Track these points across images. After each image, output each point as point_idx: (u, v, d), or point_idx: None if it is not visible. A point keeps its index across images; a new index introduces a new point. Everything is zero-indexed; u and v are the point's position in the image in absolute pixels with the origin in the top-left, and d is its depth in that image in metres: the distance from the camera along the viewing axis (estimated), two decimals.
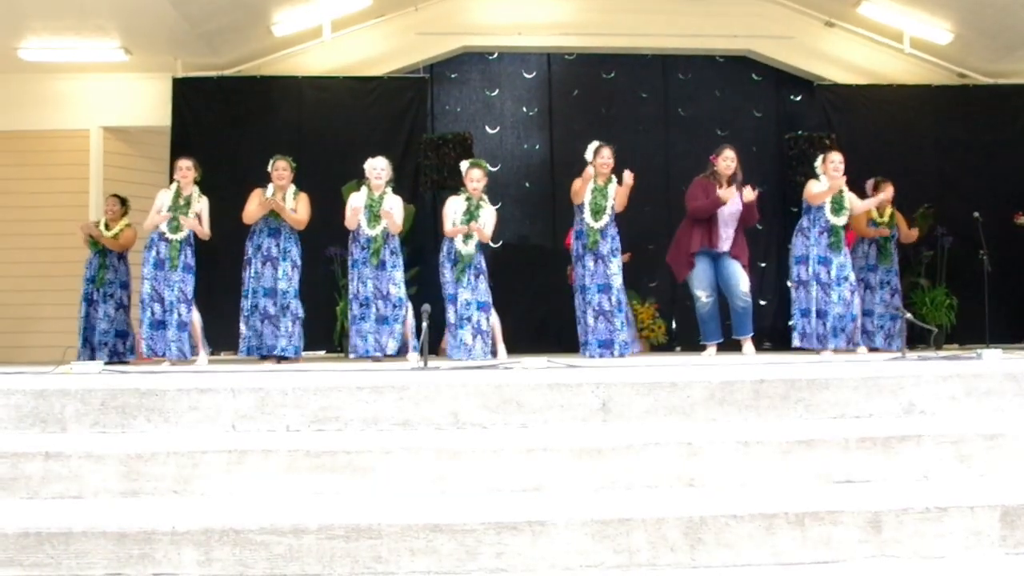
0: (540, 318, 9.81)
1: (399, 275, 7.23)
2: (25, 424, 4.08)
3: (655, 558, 3.07)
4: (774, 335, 10.15)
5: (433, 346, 7.61)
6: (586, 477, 3.55)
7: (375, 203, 7.18)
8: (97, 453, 3.59)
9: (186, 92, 9.91)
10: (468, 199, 7.22)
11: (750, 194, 7.18)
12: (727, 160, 7.26)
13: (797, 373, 4.33)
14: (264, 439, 3.81)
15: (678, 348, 10.15)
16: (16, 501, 3.51)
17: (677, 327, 10.37)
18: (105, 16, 8.79)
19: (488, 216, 7.26)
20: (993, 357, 5.09)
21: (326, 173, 8.93)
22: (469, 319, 7.05)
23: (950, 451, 3.66)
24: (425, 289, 8.79)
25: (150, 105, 10.01)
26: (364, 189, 7.27)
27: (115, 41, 9.35)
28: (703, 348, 7.43)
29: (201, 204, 7.28)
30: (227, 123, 9.77)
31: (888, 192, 8.15)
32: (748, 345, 7.31)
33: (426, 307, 5.62)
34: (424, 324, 5.44)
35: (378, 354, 7.08)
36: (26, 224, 9.64)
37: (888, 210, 8.26)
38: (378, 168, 7.26)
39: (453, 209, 7.24)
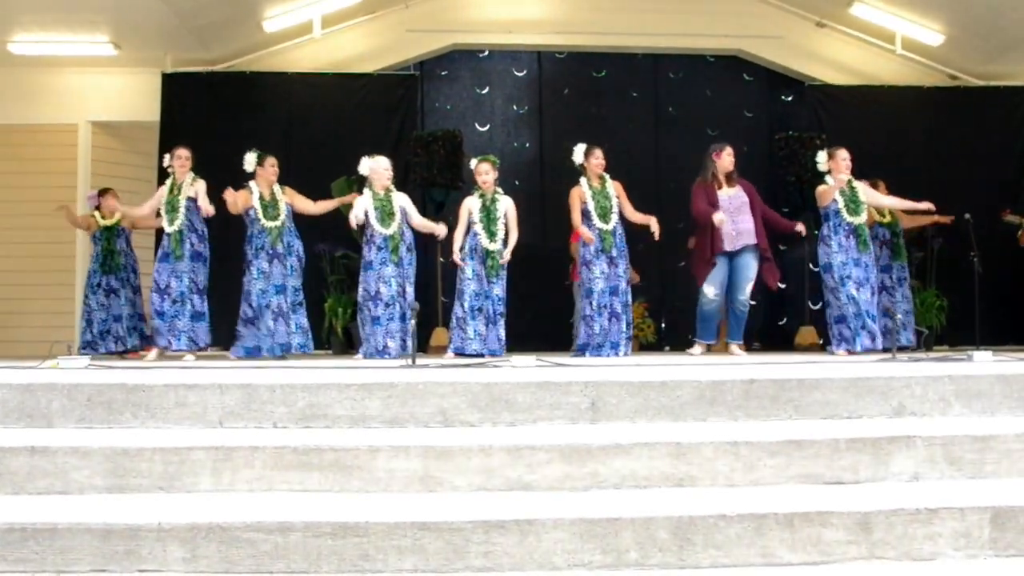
0: (529, 316, 9.78)
1: (412, 271, 7.26)
2: (10, 419, 4.05)
3: (643, 558, 3.06)
4: (763, 336, 10.16)
5: (422, 344, 7.59)
6: (575, 476, 3.53)
7: (384, 202, 7.15)
8: (83, 449, 3.56)
9: (175, 87, 9.87)
10: (482, 196, 7.25)
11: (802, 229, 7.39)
12: (731, 155, 7.28)
13: (787, 373, 4.32)
14: (251, 436, 3.78)
15: (667, 348, 10.15)
16: (1, 497, 3.48)
17: (666, 327, 10.37)
18: (95, 11, 8.76)
19: (509, 208, 7.34)
20: (983, 358, 5.10)
21: (315, 170, 8.91)
22: (501, 314, 7.19)
23: (940, 452, 3.65)
24: (415, 286, 8.77)
25: (139, 100, 9.98)
26: (367, 191, 7.23)
27: (104, 36, 9.32)
28: (691, 345, 7.41)
29: (196, 186, 7.23)
30: (216, 119, 9.73)
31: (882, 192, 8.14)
32: (736, 348, 7.27)
33: (415, 305, 5.61)
34: (412, 322, 5.42)
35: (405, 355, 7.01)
36: (14, 218, 9.59)
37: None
38: (388, 168, 7.24)
39: (469, 208, 7.28)
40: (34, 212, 9.36)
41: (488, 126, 10.88)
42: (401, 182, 9.69)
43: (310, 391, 4.04)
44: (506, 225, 7.30)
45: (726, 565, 3.07)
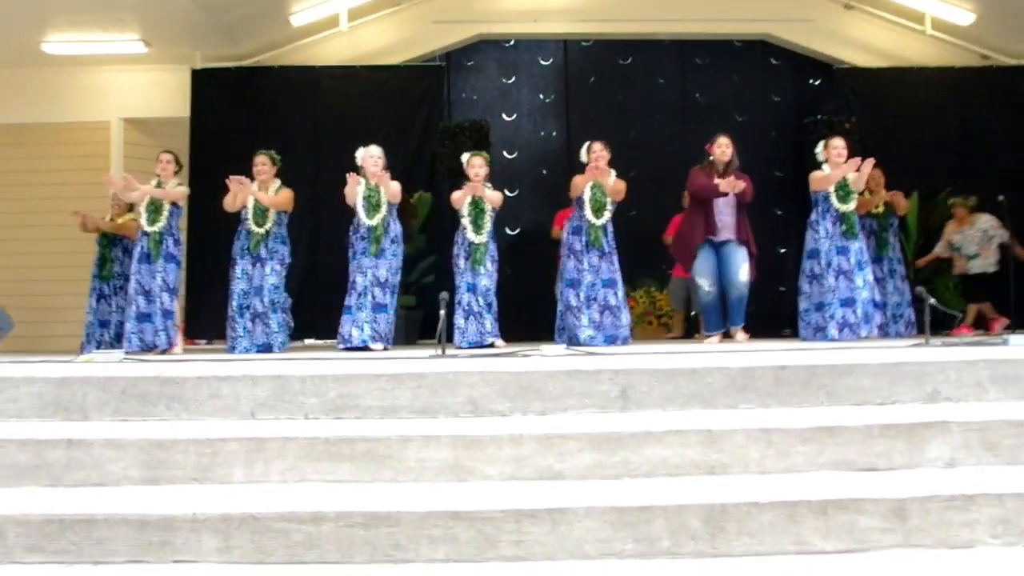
0: (552, 307, 9.79)
1: (396, 264, 7.21)
2: (48, 412, 4.11)
3: (676, 546, 3.05)
4: (794, 322, 10.07)
5: (449, 335, 7.62)
6: (605, 465, 3.53)
7: (373, 193, 7.15)
8: (118, 441, 3.61)
9: (205, 83, 9.95)
10: None
11: (740, 185, 7.10)
12: (722, 147, 7.23)
13: (818, 359, 4.28)
14: (283, 427, 3.81)
15: (697, 335, 10.09)
16: (39, 488, 3.54)
17: (696, 315, 10.31)
18: (125, 9, 8.86)
19: (489, 192, 7.35)
20: (1020, 342, 5.02)
21: (343, 162, 8.89)
22: (490, 304, 7.20)
23: (976, 438, 3.60)
24: (442, 277, 8.79)
25: (169, 96, 10.08)
26: (362, 180, 7.24)
27: (135, 34, 9.43)
28: (707, 338, 7.41)
29: (177, 191, 7.32)
30: (245, 113, 9.80)
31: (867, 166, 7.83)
32: (741, 335, 7.24)
33: (444, 295, 5.62)
34: (442, 312, 5.44)
35: (379, 345, 7.01)
36: (48, 215, 9.70)
37: (881, 200, 8.19)
38: (376, 156, 7.24)
39: (460, 201, 7.33)
40: (67, 209, 9.48)
41: (515, 116, 10.87)
42: (428, 173, 9.77)
43: (341, 382, 4.06)
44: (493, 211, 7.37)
45: (759, 553, 3.05)
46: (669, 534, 3.05)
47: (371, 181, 7.17)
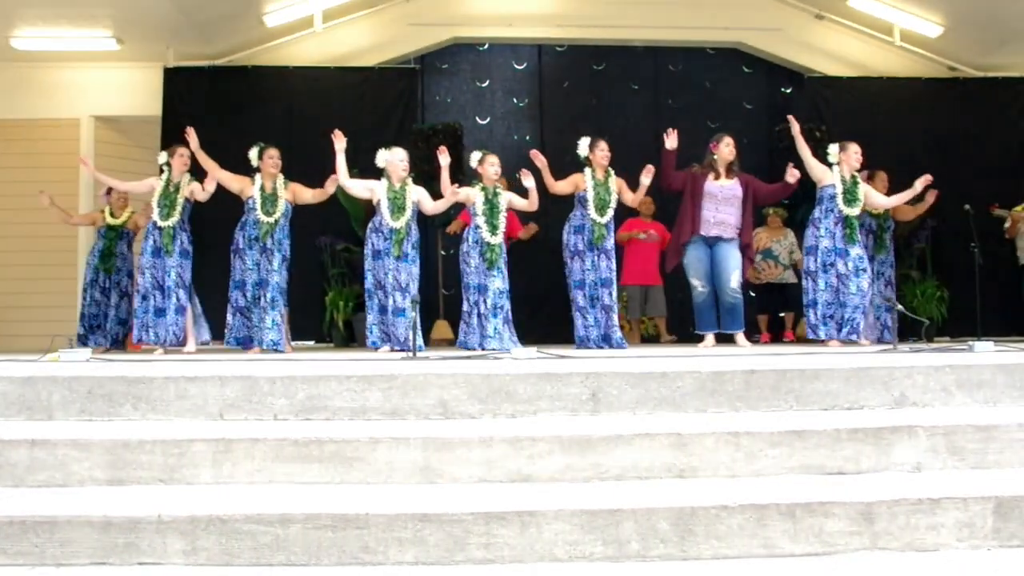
0: (529, 309, 9.79)
1: (416, 269, 7.13)
2: (11, 412, 4.05)
3: (645, 549, 3.05)
4: (755, 326, 10.14)
5: (424, 336, 7.57)
6: (576, 468, 3.52)
7: (398, 195, 7.10)
8: (83, 441, 3.56)
9: (177, 82, 9.89)
10: (484, 189, 7.24)
11: (795, 174, 7.19)
12: (729, 146, 7.26)
13: (788, 364, 4.31)
14: (252, 428, 3.77)
15: (673, 337, 10.13)
16: (1, 489, 3.48)
17: (668, 318, 10.34)
18: (97, 5, 8.79)
19: (512, 199, 7.34)
20: (985, 348, 5.09)
21: (316, 163, 8.87)
22: (501, 307, 7.08)
23: (942, 442, 3.64)
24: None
25: (141, 94, 10.01)
26: (384, 181, 7.18)
27: (106, 30, 9.35)
28: (697, 339, 7.39)
29: (193, 187, 7.28)
30: (218, 113, 9.73)
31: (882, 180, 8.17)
32: (741, 339, 7.23)
33: (413, 296, 5.59)
34: (412, 313, 5.42)
35: (397, 347, 6.94)
36: (16, 212, 9.60)
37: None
38: (406, 160, 7.19)
39: (472, 200, 7.26)
40: (36, 206, 9.36)
41: (488, 119, 10.88)
42: None
43: (310, 383, 4.03)
44: (510, 211, 7.35)
45: (728, 556, 3.06)
46: (638, 537, 3.05)
47: (395, 184, 7.11)
